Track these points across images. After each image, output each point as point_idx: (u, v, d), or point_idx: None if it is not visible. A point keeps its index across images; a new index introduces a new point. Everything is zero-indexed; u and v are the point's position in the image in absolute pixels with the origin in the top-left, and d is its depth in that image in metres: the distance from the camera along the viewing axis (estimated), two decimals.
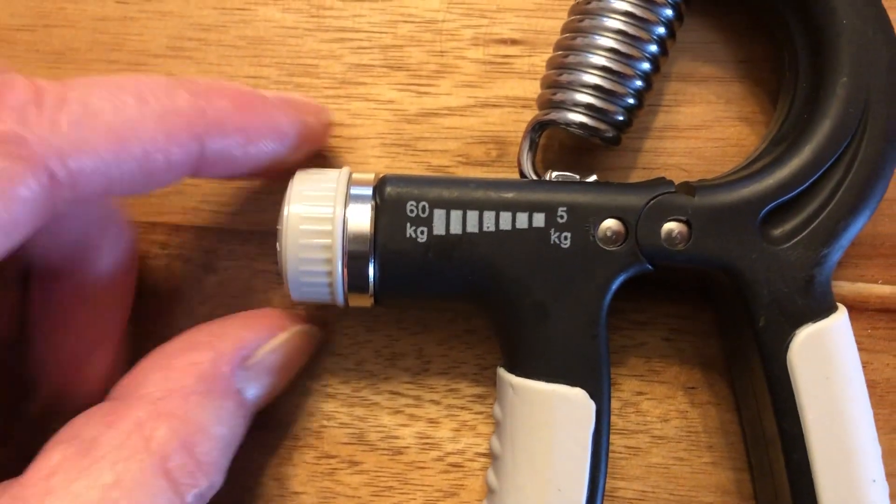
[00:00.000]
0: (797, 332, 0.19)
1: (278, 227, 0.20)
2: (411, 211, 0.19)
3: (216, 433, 0.19)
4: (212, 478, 0.18)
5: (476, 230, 0.19)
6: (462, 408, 0.22)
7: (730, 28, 0.23)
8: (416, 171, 0.23)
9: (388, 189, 0.19)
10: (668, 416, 0.22)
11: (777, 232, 0.20)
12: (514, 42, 0.23)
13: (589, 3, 0.20)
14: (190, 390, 0.18)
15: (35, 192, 0.16)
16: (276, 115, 0.20)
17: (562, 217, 0.19)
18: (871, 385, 0.22)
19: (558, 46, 0.21)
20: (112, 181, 0.18)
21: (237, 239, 0.23)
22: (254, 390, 0.20)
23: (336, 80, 0.23)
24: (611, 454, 0.22)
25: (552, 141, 0.22)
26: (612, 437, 0.22)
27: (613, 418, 0.22)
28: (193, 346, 0.20)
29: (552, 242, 0.19)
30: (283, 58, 0.23)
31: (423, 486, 0.22)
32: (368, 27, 0.23)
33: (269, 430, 0.22)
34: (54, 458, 0.17)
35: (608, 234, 0.19)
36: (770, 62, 0.22)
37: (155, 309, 0.23)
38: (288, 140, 0.20)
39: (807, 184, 0.20)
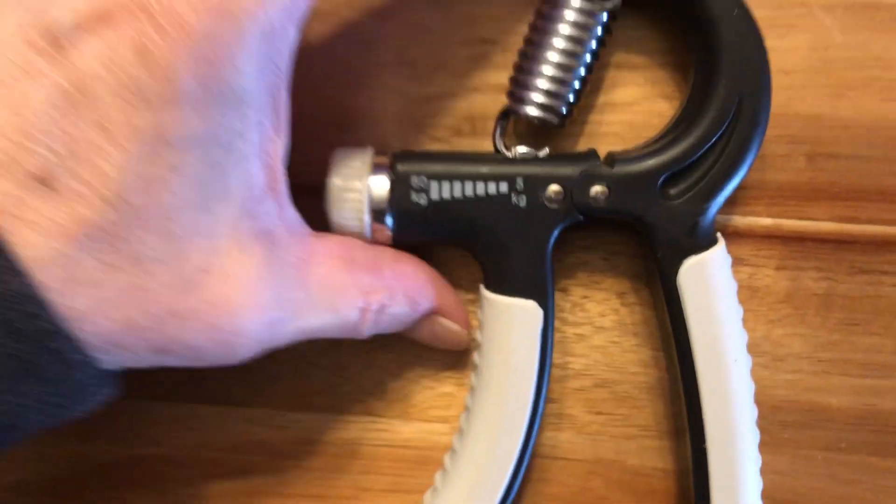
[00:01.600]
0: (684, 261, 0.27)
1: (324, 192, 0.28)
2: (414, 183, 0.28)
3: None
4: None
5: (461, 196, 0.28)
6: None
7: (654, 27, 0.30)
8: (423, 141, 0.31)
9: (399, 167, 0.28)
10: (605, 313, 0.31)
11: (673, 191, 0.28)
12: (491, 42, 0.30)
13: (539, 24, 0.28)
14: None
15: None
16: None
17: (519, 185, 0.28)
18: (755, 290, 0.31)
19: (520, 53, 0.28)
20: None
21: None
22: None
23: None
24: (563, 339, 0.31)
25: (519, 120, 0.30)
26: (563, 327, 0.31)
27: (565, 315, 0.31)
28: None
29: (513, 203, 0.28)
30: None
31: (433, 360, 0.32)
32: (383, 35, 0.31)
33: None
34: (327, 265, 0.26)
35: (552, 196, 0.28)
36: (683, 53, 0.30)
37: None
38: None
39: (694, 158, 0.27)
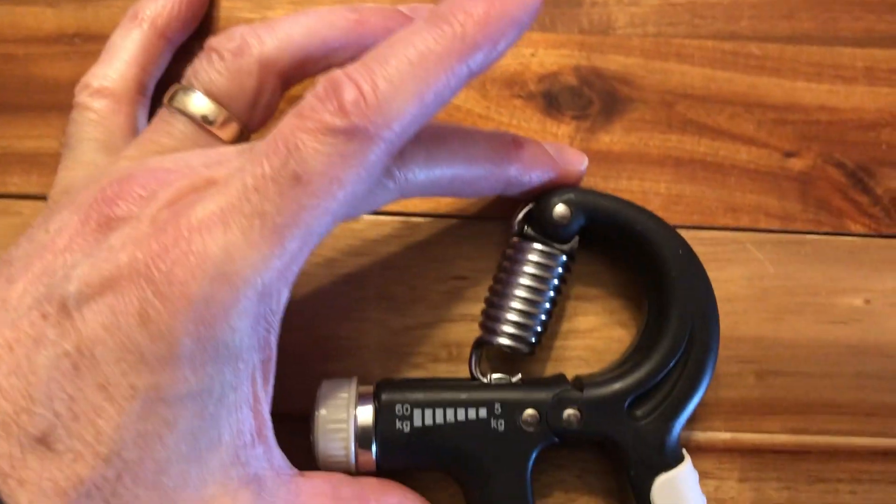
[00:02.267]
0: (656, 478, 0.29)
1: (311, 423, 0.30)
2: (398, 411, 0.29)
3: None
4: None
5: (442, 422, 0.29)
6: None
7: (609, 265, 0.33)
8: (403, 368, 0.33)
9: (383, 397, 0.29)
10: None
11: (639, 412, 0.30)
12: (463, 278, 0.33)
13: (507, 264, 0.31)
14: None
15: (380, 156, 0.23)
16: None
17: (497, 410, 0.29)
18: (721, 502, 0.32)
19: (490, 290, 0.31)
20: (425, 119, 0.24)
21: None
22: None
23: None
24: None
25: (492, 349, 0.32)
26: None
27: None
28: None
29: (492, 427, 0.29)
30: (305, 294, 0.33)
31: None
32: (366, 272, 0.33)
33: None
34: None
35: (528, 419, 0.29)
36: (635, 287, 0.33)
37: None
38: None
39: (656, 380, 0.29)
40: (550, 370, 0.33)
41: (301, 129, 0.22)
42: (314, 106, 0.22)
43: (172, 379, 0.22)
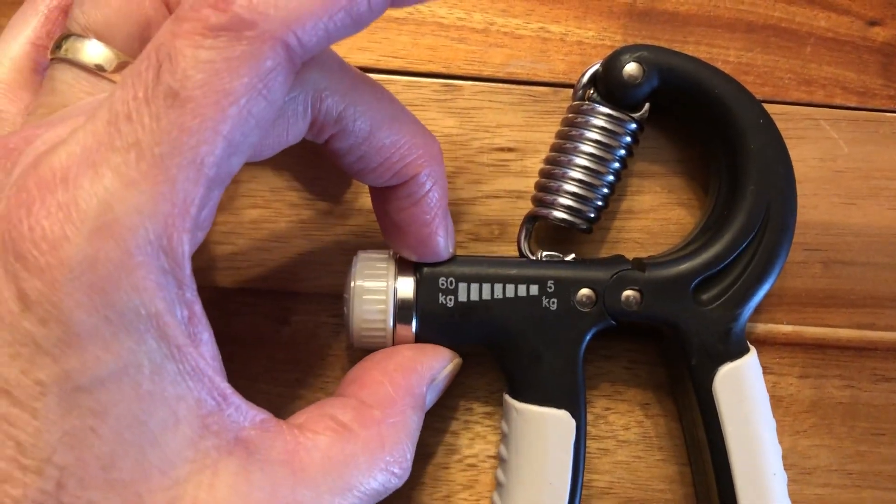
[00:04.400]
0: (719, 368, 0.27)
1: (345, 295, 0.27)
2: (442, 284, 0.27)
3: (416, 438, 0.25)
4: (407, 473, 0.24)
5: (489, 297, 0.27)
6: (476, 422, 0.30)
7: (673, 138, 0.30)
8: None
9: (425, 269, 0.27)
10: (629, 426, 0.30)
11: (705, 297, 0.27)
12: (509, 150, 0.30)
13: (570, 131, 0.28)
14: (408, 405, 0.25)
15: (278, 63, 0.18)
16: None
17: (550, 287, 0.27)
18: (779, 399, 0.30)
19: (548, 160, 0.28)
20: (330, 36, 0.19)
21: (304, 300, 0.30)
22: (427, 404, 0.26)
23: None
24: (587, 455, 0.30)
25: (542, 225, 0.30)
26: (587, 442, 0.30)
27: (588, 428, 0.29)
28: (404, 368, 0.25)
29: (543, 306, 0.27)
30: None
31: (447, 482, 0.30)
32: None
33: None
34: (322, 441, 0.22)
35: (584, 300, 0.27)
36: (701, 162, 0.30)
37: (243, 354, 0.30)
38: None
39: (725, 263, 0.27)
40: (603, 253, 0.30)
41: (178, 34, 0.18)
42: (193, 3, 0.18)
43: (82, 363, 0.18)
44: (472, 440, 0.30)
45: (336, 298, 0.29)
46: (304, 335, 0.30)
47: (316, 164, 0.30)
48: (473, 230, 0.30)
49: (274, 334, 0.30)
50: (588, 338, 0.27)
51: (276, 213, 0.30)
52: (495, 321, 0.27)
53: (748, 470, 0.27)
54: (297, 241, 0.30)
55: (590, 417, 0.30)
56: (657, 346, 0.30)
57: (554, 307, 0.27)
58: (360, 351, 0.29)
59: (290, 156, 0.30)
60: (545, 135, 0.29)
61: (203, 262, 0.29)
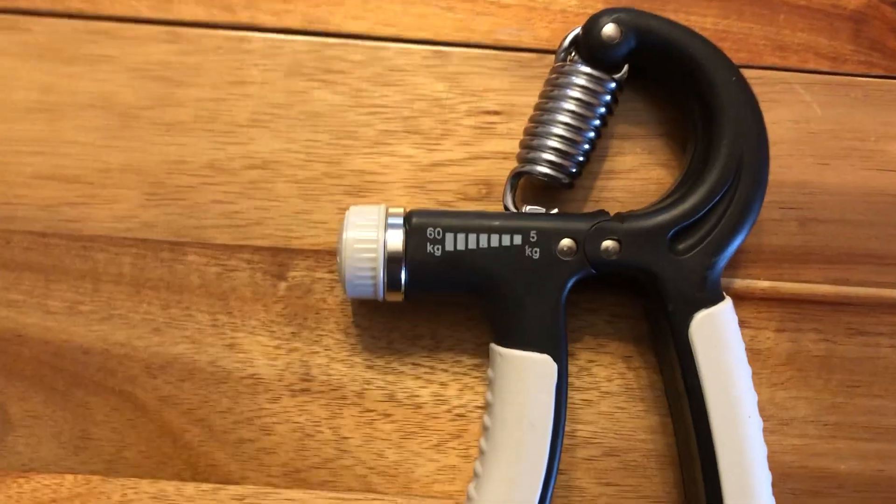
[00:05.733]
0: (695, 315, 0.28)
1: (338, 245, 0.28)
2: (430, 234, 0.28)
3: None
4: None
5: (474, 247, 0.28)
6: (465, 374, 0.31)
7: (652, 100, 0.31)
8: (429, 206, 0.31)
9: (414, 220, 0.28)
10: (611, 378, 0.31)
11: (681, 246, 0.28)
12: (496, 113, 0.31)
13: (552, 90, 0.29)
14: None
15: None
16: None
17: (533, 237, 0.28)
18: (757, 352, 0.31)
19: (531, 119, 0.30)
20: None
21: (300, 256, 0.31)
22: None
23: (371, 141, 0.31)
24: (569, 406, 0.30)
25: (527, 183, 0.31)
26: (570, 393, 0.30)
27: (572, 380, 0.30)
28: None
29: (526, 255, 0.28)
30: (332, 127, 0.31)
31: (437, 431, 0.31)
32: (393, 104, 0.31)
33: (324, 393, 0.31)
34: None
35: (565, 249, 0.28)
36: (680, 124, 0.31)
37: (243, 308, 0.31)
38: None
39: (700, 214, 0.28)
40: (585, 211, 0.31)
41: None
42: None
43: None
44: (461, 391, 0.31)
45: (331, 255, 0.31)
46: (300, 290, 0.31)
47: (312, 127, 0.31)
48: (462, 190, 0.31)
49: (272, 289, 0.31)
50: (569, 285, 0.28)
51: (275, 174, 0.31)
52: (480, 270, 0.28)
53: (724, 412, 0.28)
54: (293, 200, 0.31)
55: (574, 370, 0.31)
56: (639, 301, 0.31)
57: (536, 256, 0.28)
58: (355, 304, 0.31)
59: (286, 120, 0.31)
60: (530, 98, 0.30)
61: (204, 221, 0.31)
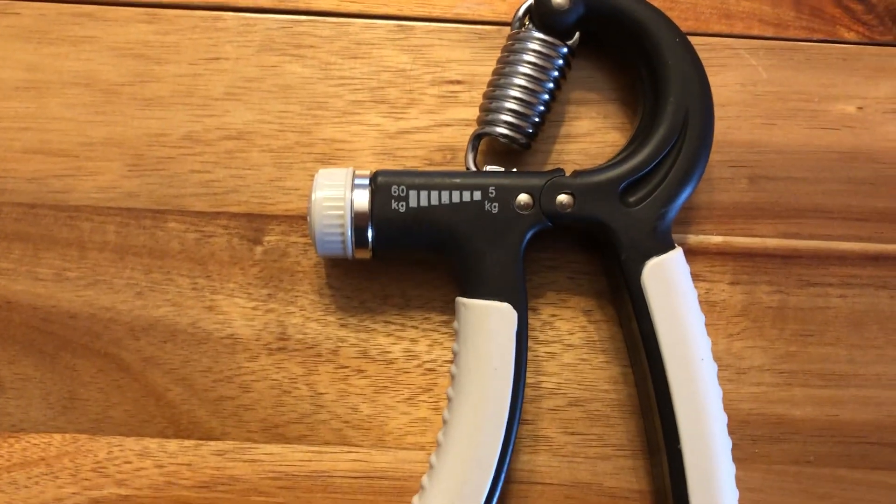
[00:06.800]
0: (647, 262, 0.29)
1: (308, 205, 0.30)
2: (394, 192, 0.30)
3: None
4: None
5: (437, 203, 0.30)
6: (433, 330, 0.32)
7: (606, 68, 0.33)
8: None
9: (379, 179, 0.30)
10: (573, 331, 0.32)
11: (632, 199, 0.30)
12: (458, 82, 0.33)
13: (508, 56, 0.31)
14: None
15: None
16: None
17: (492, 193, 0.30)
18: (713, 304, 0.32)
19: (489, 84, 0.31)
20: None
21: (275, 221, 0.33)
22: None
23: (340, 111, 0.33)
24: (534, 358, 0.32)
25: (488, 147, 0.33)
26: (535, 345, 0.32)
27: (536, 333, 0.32)
28: None
29: (486, 210, 0.30)
30: (303, 98, 0.33)
31: (408, 385, 0.32)
32: (360, 76, 0.33)
33: (300, 351, 0.32)
34: None
35: (522, 203, 0.30)
36: (632, 89, 0.33)
37: (220, 272, 0.33)
38: None
39: (648, 168, 0.30)
40: None
41: None
42: None
43: None
44: (431, 346, 0.32)
45: (304, 220, 0.32)
46: (275, 254, 0.32)
47: (284, 99, 0.33)
48: (427, 156, 0.33)
49: (248, 253, 0.32)
50: (527, 238, 0.30)
51: (249, 144, 0.33)
52: (443, 225, 0.30)
53: (677, 355, 0.29)
54: (267, 168, 0.33)
55: (537, 324, 0.32)
56: (597, 257, 0.32)
57: (496, 210, 0.30)
58: (328, 266, 0.32)
59: (259, 93, 0.33)
60: (490, 68, 0.32)
61: (183, 190, 0.33)
